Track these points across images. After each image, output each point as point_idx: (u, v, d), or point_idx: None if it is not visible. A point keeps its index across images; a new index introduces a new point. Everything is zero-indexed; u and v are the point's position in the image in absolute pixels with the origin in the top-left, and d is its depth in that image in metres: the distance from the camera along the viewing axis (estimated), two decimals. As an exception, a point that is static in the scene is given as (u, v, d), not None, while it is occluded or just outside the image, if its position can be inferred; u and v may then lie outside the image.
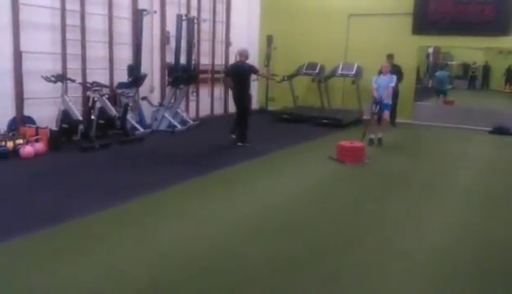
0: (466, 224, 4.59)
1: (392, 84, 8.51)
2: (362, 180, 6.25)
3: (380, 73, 8.69)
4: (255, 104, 13.53)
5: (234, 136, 8.22)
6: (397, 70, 9.92)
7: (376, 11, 11.70)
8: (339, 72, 11.57)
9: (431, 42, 12.04)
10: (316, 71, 11.81)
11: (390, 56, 10.51)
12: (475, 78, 16.96)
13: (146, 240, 3.86)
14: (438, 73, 12.94)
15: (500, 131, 10.31)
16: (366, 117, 10.06)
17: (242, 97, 8.11)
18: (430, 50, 13.13)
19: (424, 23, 11.27)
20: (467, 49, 13.19)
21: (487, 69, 16.65)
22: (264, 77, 11.31)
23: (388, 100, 8.52)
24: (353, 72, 11.36)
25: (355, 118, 11.29)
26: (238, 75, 8.06)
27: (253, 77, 9.08)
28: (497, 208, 5.16)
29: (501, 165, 7.52)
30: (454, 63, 15.26)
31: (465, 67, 16.33)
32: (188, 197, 5.11)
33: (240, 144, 8.06)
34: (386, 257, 3.69)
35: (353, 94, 11.71)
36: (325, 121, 10.78)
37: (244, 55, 8.12)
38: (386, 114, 8.60)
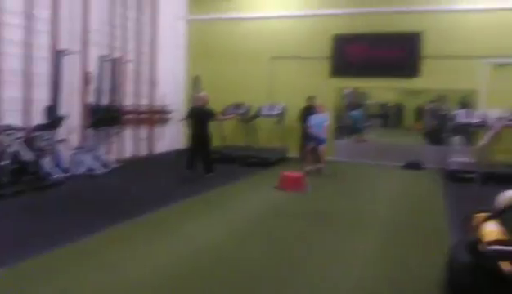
0: (382, 258, 4.81)
1: (326, 123, 9.78)
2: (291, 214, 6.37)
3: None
4: (182, 145, 13.50)
5: (190, 171, 8.85)
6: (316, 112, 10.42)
7: (297, 54, 12.31)
8: (264, 112, 11.91)
9: (347, 84, 12.81)
10: (243, 111, 12.06)
11: (310, 98, 11.10)
12: (389, 117, 18.24)
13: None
14: (353, 113, 13.71)
15: (412, 165, 11.03)
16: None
17: (202, 136, 8.92)
18: (348, 90, 13.93)
19: (340, 66, 12.01)
20: (381, 89, 14.20)
21: (399, 108, 18.00)
22: (222, 120, 11.15)
23: (322, 136, 9.74)
24: (277, 112, 11.76)
25: (281, 156, 11.60)
26: (197, 118, 8.90)
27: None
28: (407, 238, 5.47)
29: (413, 197, 8.04)
30: (370, 102, 16.33)
31: (380, 106, 17.56)
32: (108, 245, 4.90)
33: (207, 175, 8.88)
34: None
35: (278, 133, 12.06)
36: (252, 160, 10.96)
37: (203, 99, 9.08)
38: (322, 148, 9.79)
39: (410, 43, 11.44)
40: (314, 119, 9.86)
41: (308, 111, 10.85)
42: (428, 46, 11.23)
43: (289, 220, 6.24)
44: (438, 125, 13.39)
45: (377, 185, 9.16)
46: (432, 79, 11.32)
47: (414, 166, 11.01)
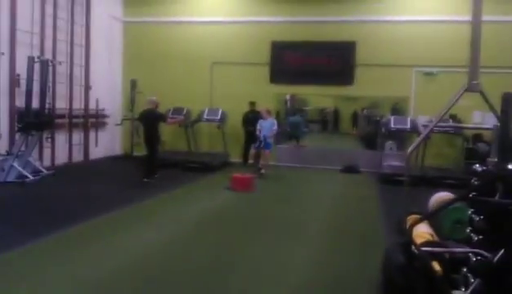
0: (319, 262, 4.91)
1: (275, 128, 10.25)
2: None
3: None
4: (119, 151, 13.08)
5: (146, 180, 8.85)
6: (259, 117, 10.68)
7: (237, 60, 12.34)
8: (205, 117, 11.82)
9: (286, 90, 13.06)
10: (182, 116, 11.88)
11: (252, 104, 11.28)
12: (327, 122, 18.82)
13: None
14: (291, 119, 13.92)
15: (349, 169, 11.41)
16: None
17: (151, 139, 9.09)
18: (288, 96, 14.17)
19: (279, 72, 12.19)
20: (319, 96, 14.57)
21: (336, 114, 18.63)
22: (173, 124, 11.25)
23: (269, 140, 10.21)
24: (218, 117, 11.72)
25: (222, 161, 11.56)
26: (147, 120, 9.08)
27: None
28: (344, 241, 5.63)
29: (349, 200, 8.32)
30: (309, 108, 16.73)
31: (318, 112, 18.06)
32: (42, 258, 4.61)
33: (145, 180, 8.83)
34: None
35: (219, 138, 12.02)
36: (193, 165, 10.82)
37: (153, 103, 9.25)
38: (267, 152, 10.30)
39: (345, 52, 11.86)
40: (263, 123, 10.22)
41: (251, 115, 10.97)
42: (362, 55, 11.70)
43: (226, 226, 6.22)
44: (372, 130, 13.97)
45: (316, 189, 9.37)
46: (366, 86, 11.80)
47: (351, 169, 11.39)
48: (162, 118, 9.36)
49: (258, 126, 10.20)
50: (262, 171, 10.13)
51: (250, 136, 11.05)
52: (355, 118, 17.95)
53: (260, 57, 12.20)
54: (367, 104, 16.28)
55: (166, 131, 12.26)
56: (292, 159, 12.24)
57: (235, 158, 11.75)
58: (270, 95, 12.18)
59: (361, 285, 4.22)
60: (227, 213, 7.03)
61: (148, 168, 9.04)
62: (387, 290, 3.88)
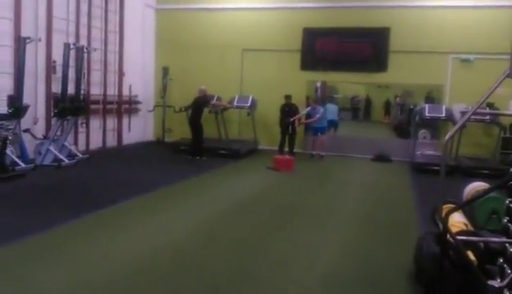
0: (350, 250, 4.88)
1: (318, 115, 11.10)
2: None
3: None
4: (151, 137, 13.30)
5: (196, 157, 10.13)
6: (294, 109, 11.02)
7: (268, 46, 12.27)
8: (235, 104, 11.83)
9: (318, 77, 12.91)
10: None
11: (288, 97, 11.20)
12: (358, 110, 18.53)
13: (23, 287, 3.50)
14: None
15: (380, 158, 11.24)
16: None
17: (198, 123, 10.26)
18: (318, 84, 14.02)
19: (310, 59, 12.06)
20: (350, 83, 14.36)
21: (368, 102, 18.32)
22: (218, 107, 11.75)
23: (322, 124, 11.32)
24: (248, 104, 11.71)
25: (251, 148, 11.59)
26: (197, 106, 10.28)
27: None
28: (376, 229, 5.57)
29: (381, 188, 8.19)
30: (339, 96, 16.51)
31: (349, 100, 17.80)
32: (76, 238, 4.76)
33: (197, 157, 10.10)
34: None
35: (249, 125, 12.04)
36: (222, 151, 10.90)
37: (202, 91, 10.36)
38: (321, 138, 11.34)
39: (379, 38, 11.60)
40: (313, 111, 11.19)
41: (288, 108, 11.05)
42: (396, 42, 11.42)
43: (260, 211, 6.24)
44: (405, 118, 13.70)
45: (347, 177, 9.28)
46: (399, 74, 11.54)
47: (383, 158, 11.22)
48: (209, 102, 10.65)
49: (312, 115, 11.17)
50: (323, 154, 11.18)
51: (287, 128, 11.06)
52: (387, 106, 17.62)
53: (291, 44, 12.09)
54: (400, 92, 15.95)
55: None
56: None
57: (264, 145, 11.75)
58: (301, 82, 12.10)
59: (393, 273, 4.16)
60: (262, 198, 7.06)
61: (194, 149, 10.18)
62: (420, 279, 3.82)
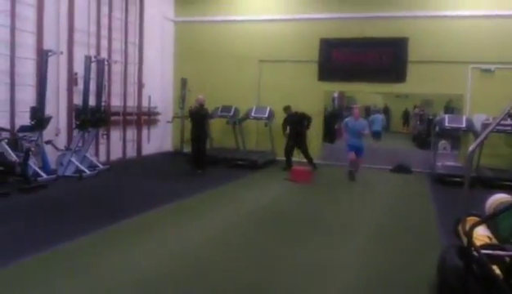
0: (370, 261, 4.82)
1: (366, 131, 9.52)
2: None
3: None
4: (169, 147, 13.41)
5: (199, 171, 9.76)
6: (303, 118, 10.86)
7: (285, 57, 12.32)
8: (253, 115, 11.88)
9: (335, 88, 12.88)
10: (231, 114, 12.02)
11: (287, 108, 11.03)
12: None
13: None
14: (374, 116, 13.80)
15: (400, 169, 11.11)
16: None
17: (200, 135, 9.91)
18: (335, 94, 14.00)
19: (328, 70, 12.05)
20: (368, 93, 14.29)
21: (386, 112, 18.19)
22: None
23: (360, 145, 9.48)
24: (266, 115, 11.73)
25: (269, 159, 11.59)
26: (197, 117, 9.91)
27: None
28: (398, 242, 5.49)
29: (401, 200, 8.10)
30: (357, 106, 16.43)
31: (367, 110, 17.69)
32: (95, 250, 4.81)
33: (199, 171, 9.72)
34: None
35: (267, 136, 12.06)
36: (240, 162, 10.93)
37: (199, 101, 9.99)
38: (359, 159, 9.60)
39: (397, 48, 11.54)
40: (352, 125, 9.50)
41: (296, 118, 10.87)
42: (415, 52, 11.34)
43: (280, 221, 6.23)
44: (425, 129, 13.56)
45: (367, 188, 9.19)
46: (418, 84, 11.44)
47: (402, 169, 11.09)
48: (208, 116, 10.11)
49: (345, 129, 9.59)
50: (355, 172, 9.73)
51: (295, 138, 10.83)
52: (406, 116, 17.47)
53: (308, 54, 12.11)
54: (419, 102, 15.81)
55: (214, 128, 12.49)
56: (339, 158, 12.02)
57: (282, 156, 11.74)
58: (318, 93, 12.09)
59: (415, 287, 4.09)
60: (280, 208, 7.04)
61: (198, 160, 9.80)
62: (443, 292, 3.75)
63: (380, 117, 13.66)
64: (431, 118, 13.05)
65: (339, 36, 11.90)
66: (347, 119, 9.64)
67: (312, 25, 12.14)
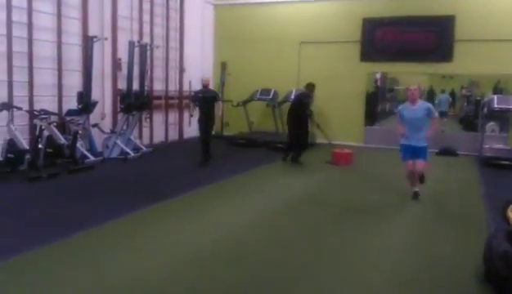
0: (415, 247, 4.72)
1: (435, 115, 6.48)
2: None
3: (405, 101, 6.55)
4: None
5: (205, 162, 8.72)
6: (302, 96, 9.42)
7: (326, 38, 12.11)
8: (292, 97, 11.76)
9: (378, 69, 12.54)
10: (270, 97, 11.99)
11: (310, 85, 9.39)
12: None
13: (94, 273, 3.72)
14: (441, 96, 13.52)
15: (446, 152, 10.77)
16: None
17: (209, 119, 8.83)
18: (378, 75, 13.64)
19: (371, 50, 11.77)
20: (412, 74, 13.82)
21: (431, 94, 17.54)
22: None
23: (421, 143, 6.32)
24: (307, 97, 11.58)
25: (308, 142, 11.49)
26: (205, 100, 8.73)
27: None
28: (445, 226, 5.35)
29: (448, 183, 7.84)
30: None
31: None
32: (141, 227, 4.98)
33: (206, 162, 8.70)
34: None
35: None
36: (279, 145, 10.90)
37: (205, 81, 9.12)
38: (421, 164, 6.33)
39: (443, 27, 11.11)
40: (408, 114, 6.33)
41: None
42: (462, 30, 10.89)
43: (322, 207, 6.18)
44: (472, 110, 13.04)
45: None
46: (465, 63, 11.00)
47: (448, 152, 10.76)
48: (215, 99, 8.92)
49: (400, 114, 6.45)
50: (417, 189, 6.51)
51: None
52: (452, 97, 16.81)
53: (350, 35, 11.85)
54: (466, 83, 15.14)
55: (254, 112, 12.51)
56: (382, 141, 11.77)
57: (321, 138, 11.62)
58: (360, 74, 11.85)
59: (462, 272, 3.98)
60: (321, 194, 7.01)
61: (205, 151, 8.69)
62: (490, 279, 3.64)
63: (446, 97, 13.37)
64: (479, 99, 12.49)
65: (383, 15, 11.56)
66: (401, 107, 6.55)
67: (354, 5, 11.86)
